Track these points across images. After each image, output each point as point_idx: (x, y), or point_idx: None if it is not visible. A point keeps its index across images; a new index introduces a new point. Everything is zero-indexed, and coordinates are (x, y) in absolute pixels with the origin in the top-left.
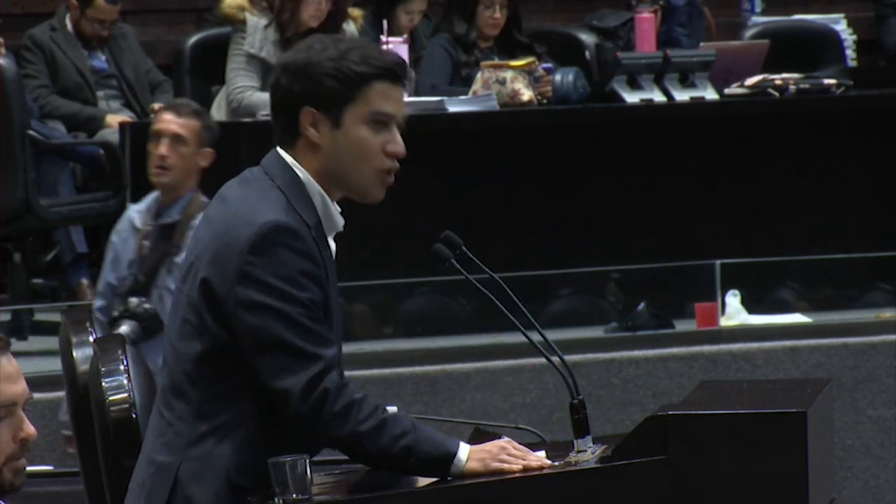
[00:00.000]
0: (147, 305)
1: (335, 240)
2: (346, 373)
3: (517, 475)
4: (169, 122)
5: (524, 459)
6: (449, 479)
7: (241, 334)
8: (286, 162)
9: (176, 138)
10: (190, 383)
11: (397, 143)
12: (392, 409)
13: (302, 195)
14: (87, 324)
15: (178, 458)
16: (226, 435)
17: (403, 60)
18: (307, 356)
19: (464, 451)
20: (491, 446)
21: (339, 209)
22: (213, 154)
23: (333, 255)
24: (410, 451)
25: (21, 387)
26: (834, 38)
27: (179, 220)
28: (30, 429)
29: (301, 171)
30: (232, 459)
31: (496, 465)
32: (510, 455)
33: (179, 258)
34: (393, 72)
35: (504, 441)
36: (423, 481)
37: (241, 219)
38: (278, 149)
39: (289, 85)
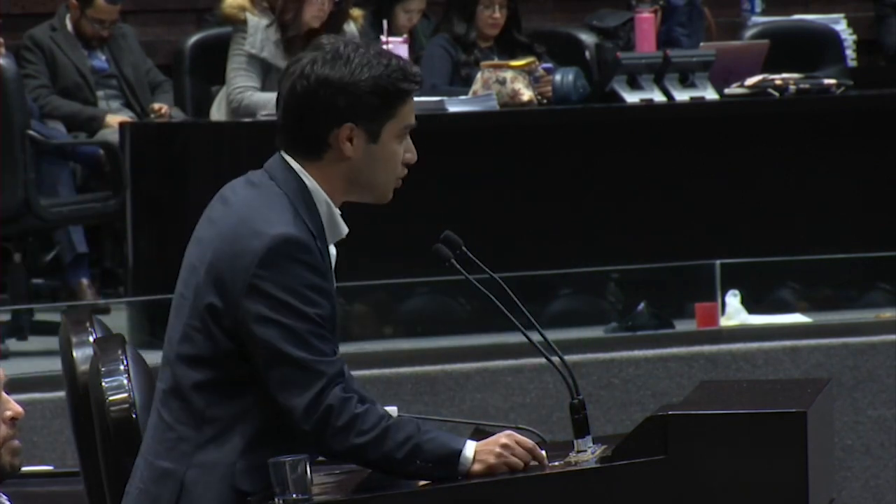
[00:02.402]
0: None
1: (336, 245)
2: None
3: (516, 475)
4: None
5: (528, 458)
6: (458, 478)
7: (250, 345)
8: (292, 168)
9: None
10: (194, 388)
11: (414, 153)
12: (392, 409)
13: (307, 203)
14: (87, 324)
15: (184, 464)
16: (230, 440)
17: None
18: (312, 373)
19: (469, 448)
20: (494, 444)
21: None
22: None
23: (334, 261)
24: (415, 454)
25: None
26: (834, 38)
27: None
28: (16, 407)
29: (308, 179)
30: (237, 465)
31: (501, 462)
32: (515, 455)
33: None
34: (419, 84)
35: (506, 437)
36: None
37: (249, 228)
38: (284, 154)
39: (331, 99)
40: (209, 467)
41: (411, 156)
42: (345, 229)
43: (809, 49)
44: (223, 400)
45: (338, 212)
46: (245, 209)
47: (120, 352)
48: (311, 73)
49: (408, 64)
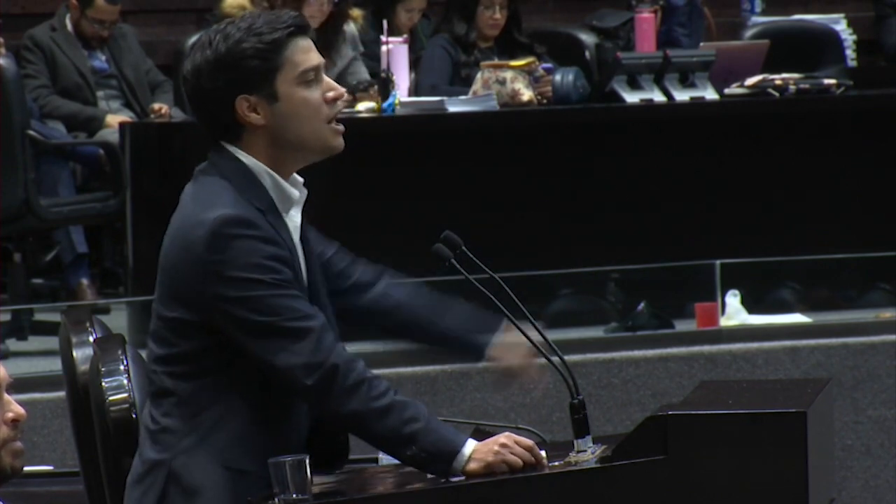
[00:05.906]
0: None
1: (306, 211)
2: None
3: (516, 475)
4: None
5: (527, 457)
6: (448, 476)
7: (228, 329)
8: (229, 152)
9: None
10: (177, 381)
11: (335, 88)
12: None
13: (249, 180)
14: (87, 324)
15: (172, 453)
16: (218, 424)
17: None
18: (296, 331)
19: (468, 448)
20: (493, 444)
21: (300, 179)
22: None
23: (298, 228)
24: (414, 438)
25: (1, 371)
26: (834, 38)
27: None
28: (18, 409)
29: (245, 157)
30: (226, 445)
31: (498, 461)
32: (514, 453)
33: None
34: (299, 25)
35: (505, 437)
36: (422, 480)
37: (193, 220)
38: (221, 142)
39: (211, 84)
40: (195, 451)
41: (334, 93)
42: (296, 194)
43: (809, 49)
44: (208, 388)
45: (283, 181)
46: (189, 204)
47: (120, 352)
48: (188, 72)
49: (277, 14)
